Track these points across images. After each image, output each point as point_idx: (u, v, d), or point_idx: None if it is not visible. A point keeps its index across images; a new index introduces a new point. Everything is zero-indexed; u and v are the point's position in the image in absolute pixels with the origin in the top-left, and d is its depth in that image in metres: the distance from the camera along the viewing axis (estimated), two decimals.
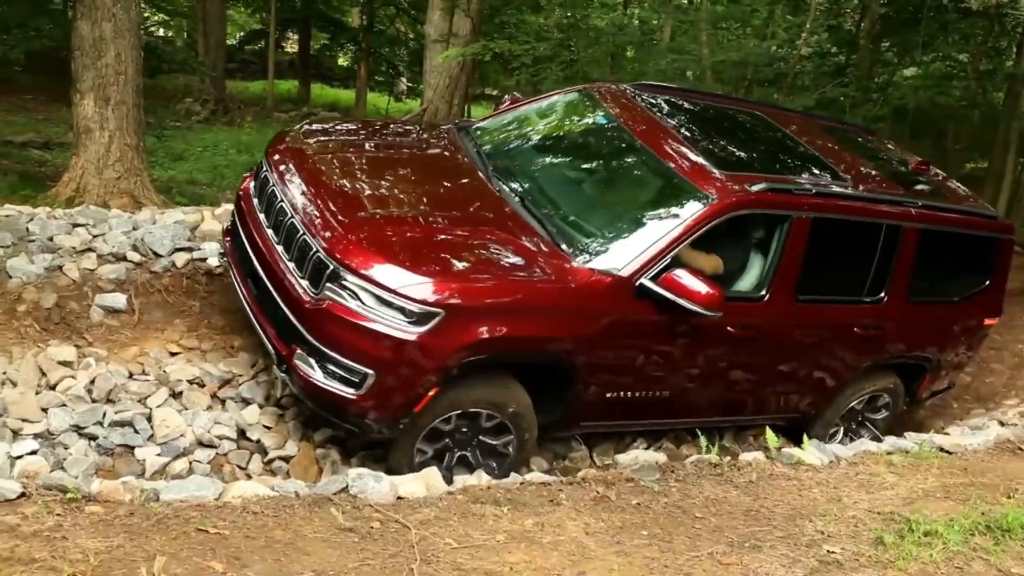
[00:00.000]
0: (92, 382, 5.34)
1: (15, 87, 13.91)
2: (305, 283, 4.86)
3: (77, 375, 5.38)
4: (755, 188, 5.42)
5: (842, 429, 6.78)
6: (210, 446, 5.30)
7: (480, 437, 5.16)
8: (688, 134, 6.09)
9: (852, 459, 5.38)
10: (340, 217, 5.02)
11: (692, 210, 5.28)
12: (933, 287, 6.56)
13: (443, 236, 5.09)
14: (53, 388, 5.31)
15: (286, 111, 20.60)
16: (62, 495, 3.64)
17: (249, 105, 20.53)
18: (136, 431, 5.19)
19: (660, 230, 5.22)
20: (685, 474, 4.87)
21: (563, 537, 4.00)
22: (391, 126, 7.16)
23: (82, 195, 8.73)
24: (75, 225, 6.42)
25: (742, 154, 6.26)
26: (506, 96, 7.43)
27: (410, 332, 4.61)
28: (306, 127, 6.40)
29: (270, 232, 5.26)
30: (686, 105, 6.80)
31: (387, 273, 4.66)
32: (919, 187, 6.64)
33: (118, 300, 5.86)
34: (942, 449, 5.74)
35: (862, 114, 14.35)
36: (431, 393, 4.77)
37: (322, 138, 6.24)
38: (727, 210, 5.30)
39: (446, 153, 6.26)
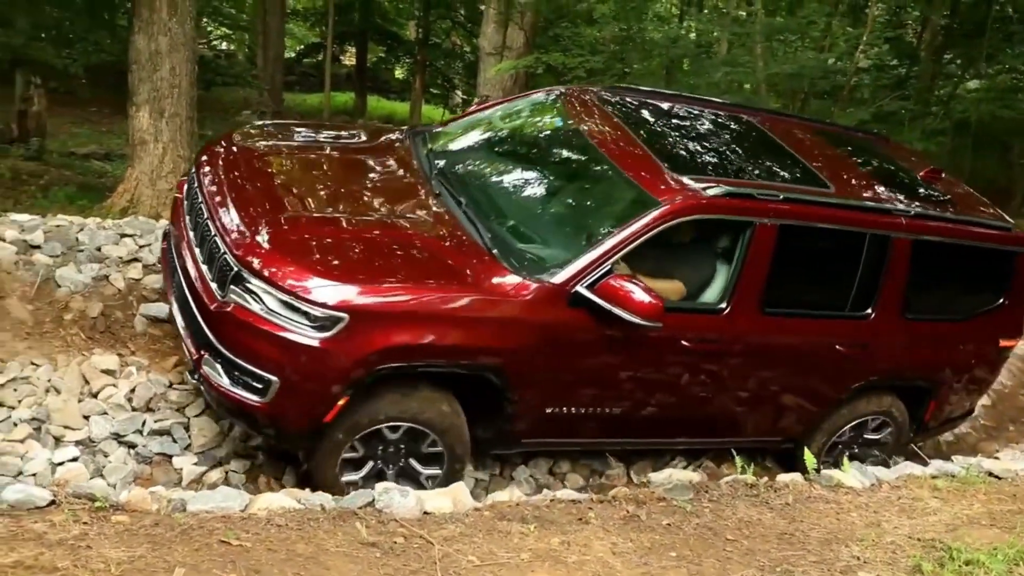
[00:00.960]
0: (133, 391, 5.42)
1: (78, 100, 14.32)
2: (214, 286, 4.71)
3: (119, 383, 5.46)
4: (711, 192, 5.12)
5: (836, 454, 6.30)
6: (246, 456, 5.34)
7: (408, 451, 4.91)
8: (652, 138, 5.84)
9: (895, 483, 5.24)
10: (249, 219, 4.86)
11: (637, 215, 4.99)
12: (936, 303, 6.14)
13: (361, 240, 4.90)
14: (95, 396, 5.39)
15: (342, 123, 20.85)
16: (90, 503, 3.69)
17: (306, 117, 20.81)
18: (174, 440, 5.25)
19: (600, 235, 4.96)
20: (719, 494, 4.78)
21: (589, 557, 3.94)
22: (346, 130, 6.99)
23: (136, 206, 8.93)
24: (123, 235, 6.54)
25: (709, 158, 5.92)
26: (476, 98, 7.36)
27: (313, 337, 4.41)
28: (248, 129, 6.29)
29: (191, 234, 5.14)
30: (662, 108, 6.51)
31: (290, 276, 4.49)
32: (925, 196, 6.21)
33: (161, 310, 5.95)
34: (991, 474, 5.56)
35: (921, 128, 14.05)
36: (341, 403, 4.55)
37: (260, 141, 6.07)
38: (674, 215, 4.99)
39: (392, 157, 6.05)
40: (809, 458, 5.39)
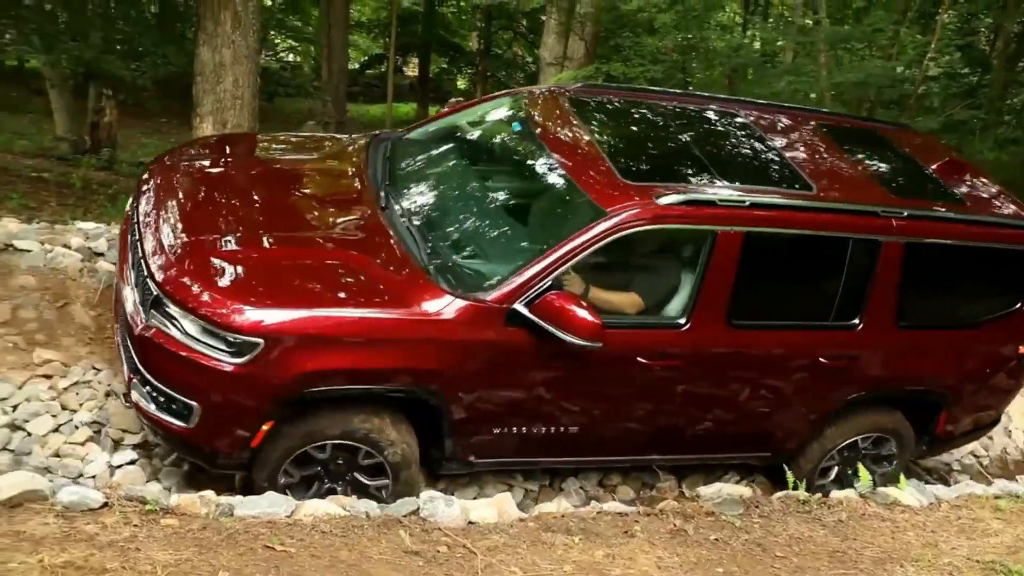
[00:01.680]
0: None
1: (147, 111, 14.73)
2: (140, 310, 4.57)
3: None
4: (664, 201, 4.78)
5: (836, 469, 5.95)
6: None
7: (351, 470, 4.72)
8: (614, 142, 5.55)
9: (954, 502, 5.10)
10: (170, 242, 4.74)
11: (581, 227, 4.72)
12: (939, 310, 5.73)
13: (286, 261, 4.75)
14: None
15: None
16: (141, 506, 3.77)
17: (369, 128, 21.10)
18: None
19: (540, 250, 4.70)
20: (770, 510, 4.70)
21: (633, 571, 3.91)
22: (301, 140, 6.89)
23: None
24: None
25: (675, 162, 5.54)
26: (451, 101, 7.08)
27: (230, 363, 4.27)
28: (193, 146, 6.20)
29: (129, 257, 5.00)
30: (641, 108, 6.13)
31: (205, 300, 4.35)
32: (934, 193, 5.85)
33: None
34: None
35: (994, 137, 13.69)
36: (265, 427, 4.41)
37: (204, 153, 6.00)
38: (622, 227, 4.70)
39: (345, 169, 5.85)
40: (864, 476, 5.24)
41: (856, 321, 5.43)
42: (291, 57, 26.52)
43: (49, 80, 13.61)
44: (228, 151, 6.10)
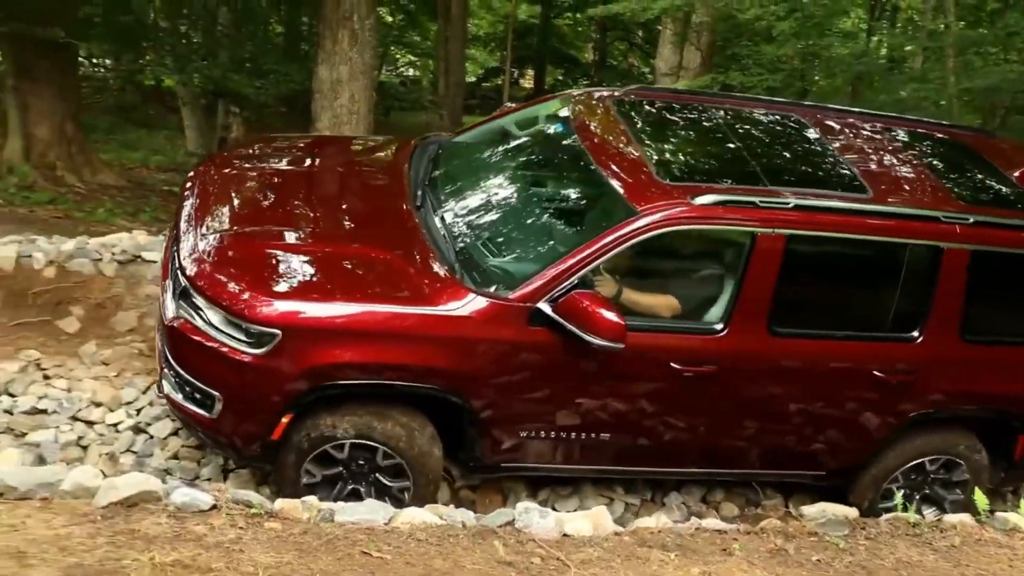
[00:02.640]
0: None
1: (270, 127, 15.27)
2: (170, 301, 4.72)
3: None
4: (701, 201, 4.68)
5: (901, 493, 5.40)
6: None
7: (373, 470, 4.72)
8: (657, 143, 5.44)
9: None
10: (202, 235, 4.89)
11: (612, 227, 4.65)
12: (1015, 324, 5.37)
13: (312, 257, 4.83)
14: None
15: None
16: (247, 509, 3.92)
17: None
18: None
19: (568, 249, 4.65)
20: (877, 532, 4.54)
21: None
22: (347, 143, 6.91)
23: None
24: None
25: (721, 164, 5.42)
26: (505, 104, 6.95)
27: (249, 353, 4.37)
28: (243, 146, 6.31)
29: (169, 253, 5.16)
30: (692, 111, 5.99)
31: (227, 291, 4.48)
32: (1012, 201, 5.52)
33: None
34: None
35: None
36: (284, 420, 4.48)
37: (250, 154, 6.19)
38: (655, 226, 4.61)
39: (388, 169, 5.87)
40: (980, 499, 4.93)
41: (915, 333, 5.14)
42: (410, 72, 27.10)
43: (181, 99, 14.35)
44: (272, 152, 6.29)
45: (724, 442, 5.21)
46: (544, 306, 4.51)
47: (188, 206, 5.30)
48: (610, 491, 5.61)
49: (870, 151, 5.86)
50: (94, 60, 15.58)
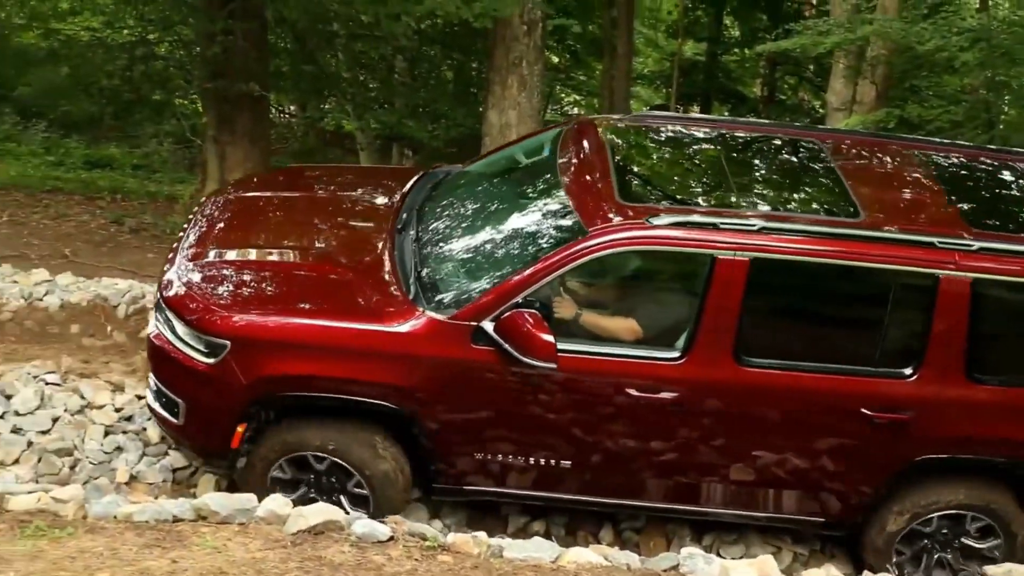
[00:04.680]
0: None
1: None
2: (155, 315, 5.13)
3: None
4: (657, 222, 4.59)
5: (923, 549, 5.09)
6: (567, 511, 5.60)
7: (340, 485, 4.86)
8: (636, 166, 5.51)
9: None
10: (184, 256, 5.24)
11: (558, 247, 4.65)
12: None
13: (275, 274, 5.13)
14: None
15: None
16: (422, 542, 4.14)
17: None
18: None
19: (513, 269, 4.68)
20: None
21: None
22: (366, 171, 7.29)
23: None
24: None
25: (697, 186, 5.40)
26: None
27: (204, 363, 4.69)
28: (251, 176, 6.79)
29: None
30: (693, 135, 5.91)
31: (185, 303, 4.82)
32: None
33: None
34: None
35: None
36: (240, 429, 4.69)
37: (262, 182, 6.55)
38: (603, 247, 4.58)
39: (377, 199, 6.01)
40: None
41: (909, 370, 4.76)
42: (575, 111, 27.48)
43: (359, 143, 15.11)
44: (286, 180, 6.68)
45: (695, 477, 4.98)
46: (487, 325, 4.55)
47: (191, 227, 5.71)
48: (778, 539, 5.53)
49: (882, 178, 5.63)
50: (281, 109, 16.65)
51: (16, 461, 5.43)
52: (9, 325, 6.84)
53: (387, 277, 4.99)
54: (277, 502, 4.29)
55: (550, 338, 4.45)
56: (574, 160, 5.44)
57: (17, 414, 5.73)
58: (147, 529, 4.07)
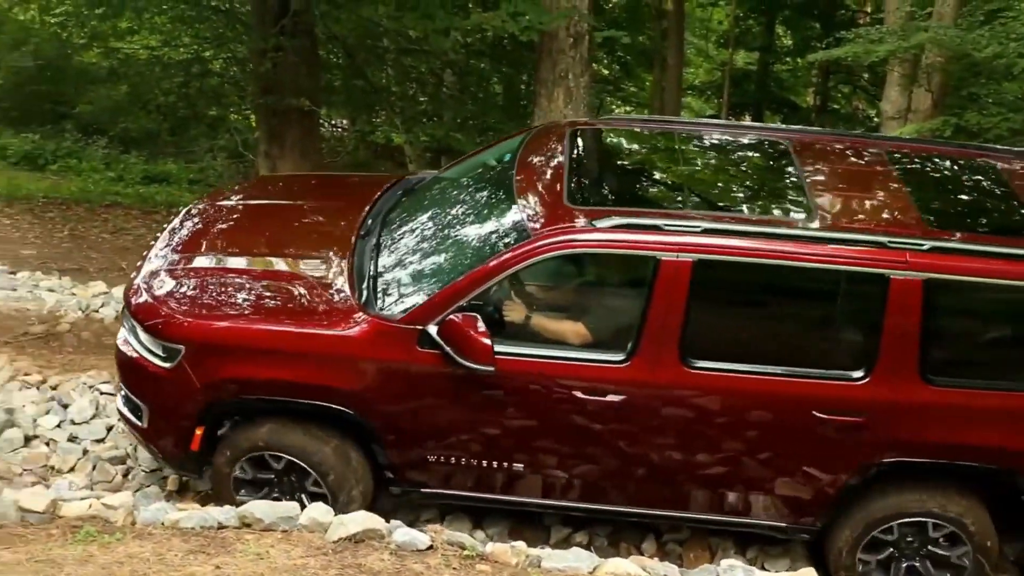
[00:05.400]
0: None
1: None
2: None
3: None
4: (600, 224, 4.59)
5: (887, 555, 4.94)
6: (610, 522, 5.59)
7: (299, 484, 4.93)
8: (592, 170, 5.57)
9: None
10: (148, 263, 5.40)
11: (502, 250, 4.68)
12: (998, 364, 4.76)
13: (232, 281, 5.21)
14: None
15: None
16: (461, 551, 4.17)
17: None
18: None
19: (457, 274, 4.72)
20: None
21: None
22: (343, 179, 7.34)
23: None
24: None
25: (649, 189, 5.49)
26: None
27: (161, 367, 4.82)
28: (232, 185, 6.75)
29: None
30: (653, 139, 5.95)
31: (144, 309, 4.97)
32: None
33: None
34: None
35: None
36: (198, 431, 4.81)
37: (235, 191, 6.57)
38: (544, 250, 4.60)
39: (346, 206, 5.97)
40: None
41: (861, 373, 4.64)
42: None
43: (408, 155, 15.26)
44: (258, 189, 6.79)
45: (647, 480, 4.91)
46: (432, 328, 4.59)
47: (165, 234, 5.84)
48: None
49: (845, 178, 5.54)
50: (333, 123, 16.89)
51: (72, 469, 5.63)
52: (67, 336, 7.08)
53: (341, 282, 5.07)
54: (319, 510, 4.36)
55: (488, 341, 4.50)
56: (530, 165, 5.50)
57: (73, 423, 5.95)
58: (193, 535, 4.17)
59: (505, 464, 4.90)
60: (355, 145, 16.47)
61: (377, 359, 4.73)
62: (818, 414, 4.65)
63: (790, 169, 5.46)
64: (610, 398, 4.69)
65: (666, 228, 4.61)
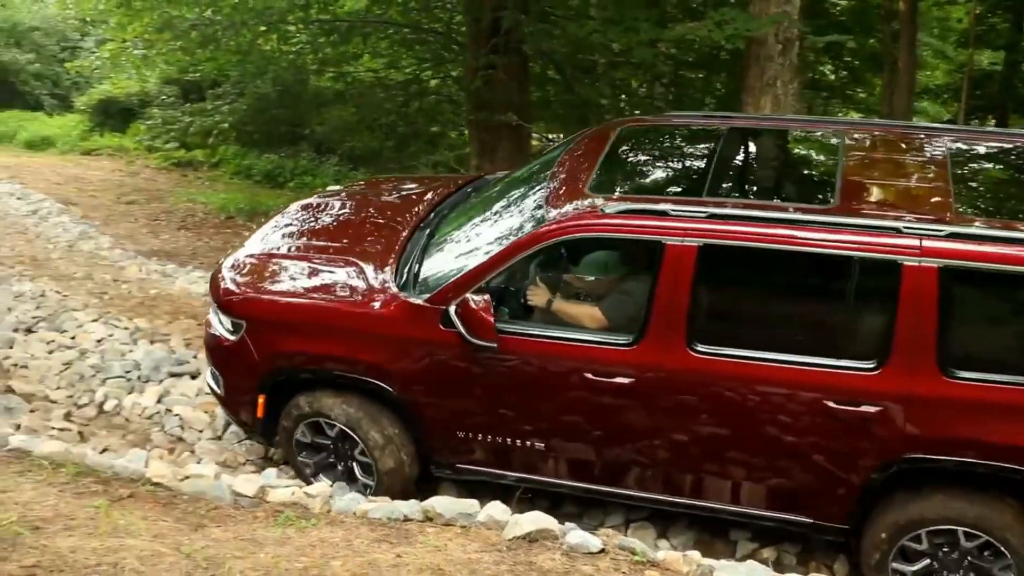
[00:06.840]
0: None
1: None
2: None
3: None
4: (609, 209, 4.68)
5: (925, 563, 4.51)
6: (802, 539, 5.38)
7: (349, 450, 5.32)
8: (628, 162, 5.79)
9: None
10: (240, 248, 6.04)
11: (520, 234, 4.92)
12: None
13: (298, 265, 5.66)
14: None
15: None
16: (631, 556, 4.19)
17: None
18: None
19: (480, 256, 4.98)
20: None
21: None
22: (435, 180, 7.47)
23: None
24: None
25: (675, 178, 5.68)
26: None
27: (229, 340, 5.41)
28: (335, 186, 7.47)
29: None
30: (699, 134, 5.98)
31: (221, 292, 5.54)
32: None
33: None
34: None
35: None
36: (260, 399, 5.27)
37: (339, 192, 7.15)
38: (557, 233, 4.78)
39: (423, 202, 6.33)
40: None
41: (873, 364, 4.39)
42: None
43: None
44: (360, 190, 7.21)
45: (664, 465, 4.89)
46: (452, 308, 4.81)
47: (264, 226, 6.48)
48: None
49: (898, 169, 5.35)
50: (546, 137, 17.31)
51: (286, 461, 6.06)
52: None
53: (388, 268, 5.41)
54: (497, 508, 4.50)
55: (490, 318, 4.71)
56: (571, 158, 5.72)
57: None
58: (379, 525, 4.43)
59: (528, 443, 5.06)
60: None
61: (407, 337, 5.04)
62: (830, 404, 4.49)
63: (830, 160, 5.41)
64: (618, 380, 4.76)
65: (672, 213, 4.66)
